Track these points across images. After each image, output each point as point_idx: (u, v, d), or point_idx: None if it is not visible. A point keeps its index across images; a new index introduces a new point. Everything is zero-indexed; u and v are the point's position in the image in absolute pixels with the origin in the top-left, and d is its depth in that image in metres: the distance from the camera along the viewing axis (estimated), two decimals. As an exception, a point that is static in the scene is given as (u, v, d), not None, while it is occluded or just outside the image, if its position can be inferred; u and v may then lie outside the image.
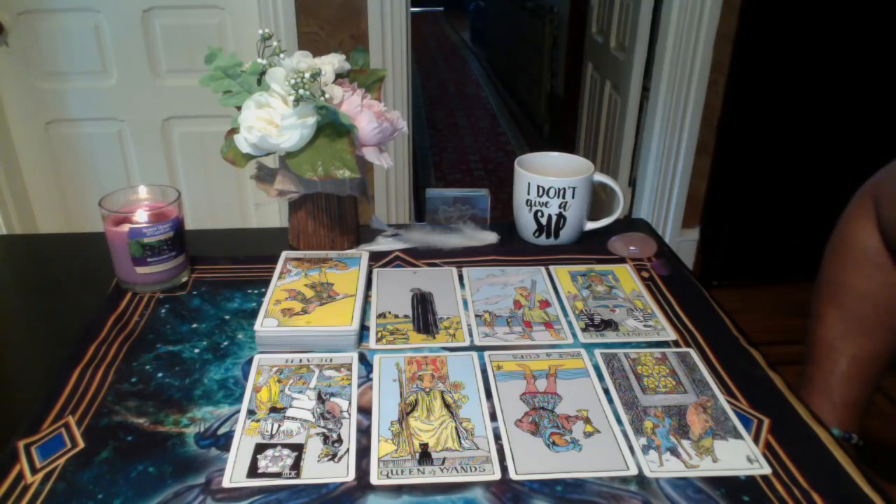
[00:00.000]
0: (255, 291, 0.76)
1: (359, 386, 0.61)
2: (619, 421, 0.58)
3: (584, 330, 0.70)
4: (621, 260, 0.85)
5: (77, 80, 1.83)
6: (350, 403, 0.59)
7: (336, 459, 0.53)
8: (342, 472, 0.52)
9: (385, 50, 1.87)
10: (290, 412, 0.58)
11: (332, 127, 0.74)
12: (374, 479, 0.51)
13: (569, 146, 3.19)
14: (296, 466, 0.52)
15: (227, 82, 0.75)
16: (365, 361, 0.65)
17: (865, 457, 0.69)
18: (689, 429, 0.57)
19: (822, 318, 0.77)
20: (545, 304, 0.75)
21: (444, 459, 0.53)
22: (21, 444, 0.54)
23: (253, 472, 0.52)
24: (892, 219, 0.71)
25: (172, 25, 1.81)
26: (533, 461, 0.53)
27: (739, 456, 0.54)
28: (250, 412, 0.58)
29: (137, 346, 0.67)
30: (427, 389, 0.61)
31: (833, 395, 0.75)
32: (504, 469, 0.52)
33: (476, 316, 0.73)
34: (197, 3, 1.79)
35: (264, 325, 0.66)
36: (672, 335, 0.70)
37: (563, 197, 0.83)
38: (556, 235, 0.87)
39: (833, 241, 0.78)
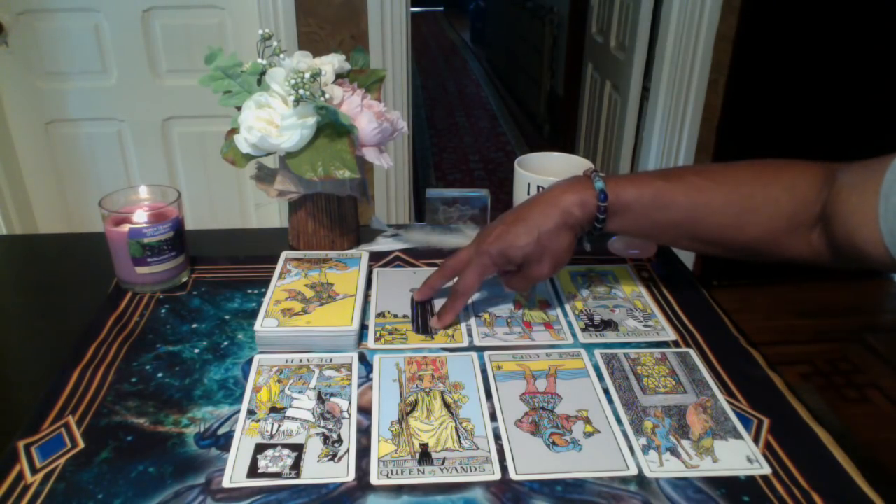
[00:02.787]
0: (255, 291, 0.76)
1: (359, 386, 0.61)
2: (619, 421, 0.58)
3: (583, 330, 0.70)
4: (621, 260, 0.85)
5: (77, 80, 1.83)
6: (350, 403, 0.59)
7: (336, 459, 0.53)
8: (342, 472, 0.52)
9: (385, 50, 1.87)
10: (290, 412, 0.58)
11: (332, 127, 0.74)
12: (374, 480, 0.51)
13: (569, 146, 3.19)
14: (296, 466, 0.52)
15: (227, 82, 0.75)
16: (365, 361, 0.65)
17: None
18: (689, 429, 0.57)
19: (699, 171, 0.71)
20: (545, 304, 0.75)
21: (444, 459, 0.53)
22: (21, 444, 0.54)
23: (253, 472, 0.52)
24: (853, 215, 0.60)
25: (172, 25, 1.80)
26: (533, 461, 0.53)
27: (739, 456, 0.54)
28: (250, 412, 0.58)
29: (137, 346, 0.67)
30: (427, 389, 0.61)
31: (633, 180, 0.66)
32: (504, 469, 0.52)
33: (476, 316, 0.73)
34: (197, 3, 1.79)
35: (264, 325, 0.66)
36: (672, 335, 0.70)
37: (563, 197, 0.83)
38: (556, 235, 0.87)
39: (784, 161, 0.70)
